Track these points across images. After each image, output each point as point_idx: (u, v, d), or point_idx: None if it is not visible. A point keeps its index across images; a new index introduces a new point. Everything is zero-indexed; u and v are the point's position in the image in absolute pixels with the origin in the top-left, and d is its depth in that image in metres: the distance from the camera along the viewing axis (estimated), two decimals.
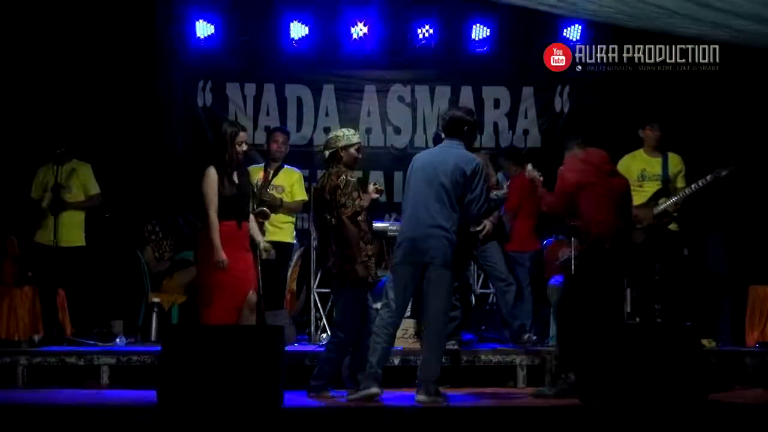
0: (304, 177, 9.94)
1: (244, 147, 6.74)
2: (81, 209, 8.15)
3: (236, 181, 6.64)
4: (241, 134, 6.77)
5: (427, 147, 9.53)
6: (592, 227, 6.54)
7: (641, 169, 7.88)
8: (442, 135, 6.55)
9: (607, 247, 6.50)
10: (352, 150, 6.48)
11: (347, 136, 6.51)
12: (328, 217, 6.37)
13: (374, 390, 6.15)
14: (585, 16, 7.63)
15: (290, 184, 8.15)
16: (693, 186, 7.69)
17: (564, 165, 6.74)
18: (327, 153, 6.50)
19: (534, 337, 7.78)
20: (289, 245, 8.32)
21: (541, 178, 6.90)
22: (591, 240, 6.55)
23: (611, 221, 6.54)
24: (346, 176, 6.35)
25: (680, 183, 7.84)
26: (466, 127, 6.41)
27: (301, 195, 8.22)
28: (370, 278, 6.38)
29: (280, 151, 8.16)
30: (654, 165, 7.86)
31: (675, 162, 7.89)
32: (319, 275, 8.43)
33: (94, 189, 8.22)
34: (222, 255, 6.45)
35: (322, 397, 6.38)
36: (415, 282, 6.27)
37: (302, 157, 9.96)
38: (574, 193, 6.55)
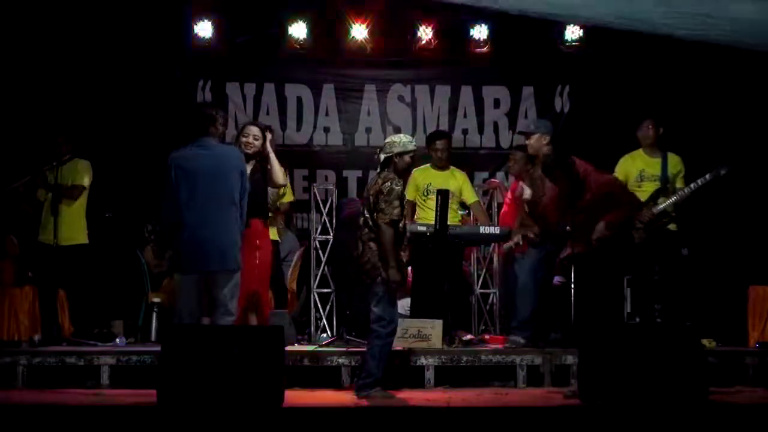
0: (303, 176, 9.98)
1: (248, 139, 6.85)
2: (67, 198, 8.07)
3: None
4: (247, 127, 6.94)
5: (426, 147, 9.56)
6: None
7: (640, 170, 7.87)
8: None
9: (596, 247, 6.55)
10: (407, 157, 6.52)
11: (404, 143, 6.54)
12: (367, 216, 6.42)
13: None
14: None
15: None
16: (693, 185, 7.66)
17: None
18: (382, 157, 6.54)
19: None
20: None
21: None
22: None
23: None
24: (392, 183, 6.37)
25: (679, 184, 7.82)
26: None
27: None
28: (401, 280, 6.40)
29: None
30: (653, 165, 7.85)
31: (674, 162, 7.88)
32: (319, 272, 8.46)
33: (81, 181, 8.14)
34: None
35: (372, 397, 6.35)
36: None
37: (302, 156, 9.98)
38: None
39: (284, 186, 7.59)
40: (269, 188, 7.24)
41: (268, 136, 7.07)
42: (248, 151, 6.90)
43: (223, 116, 6.73)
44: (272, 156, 6.99)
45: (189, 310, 6.34)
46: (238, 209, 6.35)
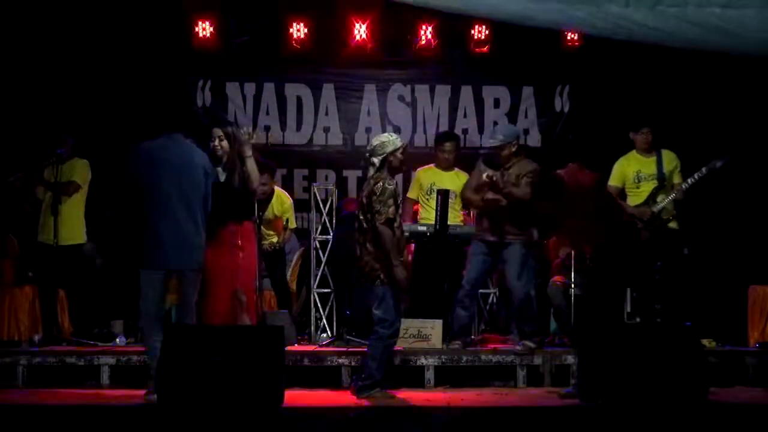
0: (303, 176, 9.96)
1: (214, 142, 6.70)
2: (62, 195, 8.03)
3: (221, 180, 6.61)
4: (213, 129, 6.79)
5: (427, 146, 9.58)
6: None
7: (636, 171, 7.85)
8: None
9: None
10: (399, 153, 6.54)
11: (392, 141, 6.55)
12: (362, 218, 6.43)
13: None
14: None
15: None
16: (689, 180, 7.66)
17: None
18: (377, 160, 6.50)
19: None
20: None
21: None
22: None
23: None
24: (384, 183, 6.38)
25: (677, 179, 7.81)
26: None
27: None
28: (405, 279, 6.39)
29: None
30: (649, 165, 7.84)
31: (669, 159, 7.86)
32: (319, 272, 8.45)
33: (77, 178, 8.14)
34: None
35: (372, 397, 6.34)
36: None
37: (302, 156, 9.98)
38: None
39: (254, 193, 6.91)
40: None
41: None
42: (217, 154, 6.73)
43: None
44: (248, 161, 6.71)
45: (146, 310, 6.35)
46: (202, 208, 6.28)
